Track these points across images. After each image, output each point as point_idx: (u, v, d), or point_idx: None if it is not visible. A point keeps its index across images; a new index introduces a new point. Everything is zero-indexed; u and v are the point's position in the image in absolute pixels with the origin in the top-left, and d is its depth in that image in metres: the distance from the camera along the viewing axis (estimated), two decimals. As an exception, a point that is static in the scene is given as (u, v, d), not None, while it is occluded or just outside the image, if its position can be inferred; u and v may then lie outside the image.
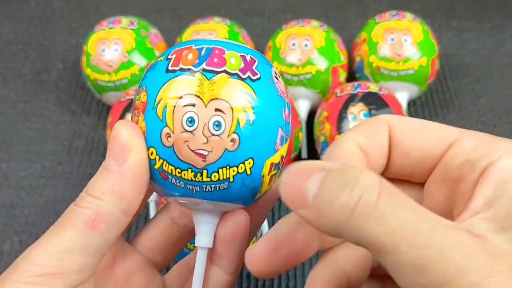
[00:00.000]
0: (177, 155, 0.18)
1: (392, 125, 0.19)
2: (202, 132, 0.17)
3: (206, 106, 0.17)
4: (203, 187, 0.18)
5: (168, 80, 0.18)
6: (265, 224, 0.37)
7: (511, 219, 0.15)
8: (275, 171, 0.19)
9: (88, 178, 0.44)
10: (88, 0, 0.58)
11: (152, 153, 0.18)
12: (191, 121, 0.17)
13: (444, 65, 0.50)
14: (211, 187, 0.18)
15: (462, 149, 0.18)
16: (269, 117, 0.18)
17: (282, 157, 0.19)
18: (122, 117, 0.37)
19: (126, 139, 0.18)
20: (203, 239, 0.20)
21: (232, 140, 0.18)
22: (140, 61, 0.42)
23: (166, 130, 0.18)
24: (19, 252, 0.38)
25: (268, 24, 0.55)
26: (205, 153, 0.18)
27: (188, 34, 0.44)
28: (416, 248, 0.14)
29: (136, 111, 0.19)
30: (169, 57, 0.19)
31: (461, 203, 0.18)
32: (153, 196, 0.37)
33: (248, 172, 0.18)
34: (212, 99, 0.18)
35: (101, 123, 0.46)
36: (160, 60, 0.19)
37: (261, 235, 0.37)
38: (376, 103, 0.37)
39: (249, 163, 0.18)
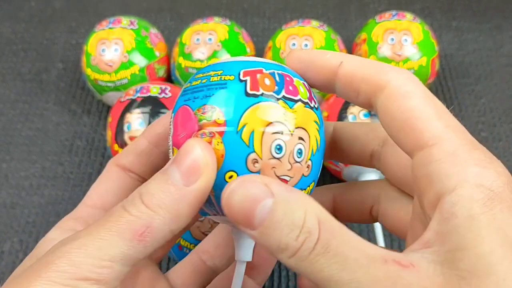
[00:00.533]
0: None
1: None
2: (288, 159, 0.18)
3: (291, 134, 0.18)
4: None
5: (252, 105, 0.18)
6: None
7: (456, 255, 0.15)
8: None
9: (88, 178, 0.44)
10: (88, 0, 0.58)
11: (231, 177, 0.18)
12: (280, 148, 0.18)
13: (444, 65, 0.50)
14: None
15: (428, 159, 0.17)
16: (323, 143, 0.20)
17: None
18: (122, 117, 0.37)
19: (202, 160, 0.17)
20: (244, 254, 0.21)
21: (308, 166, 0.19)
22: (140, 61, 0.42)
23: (253, 155, 0.18)
24: (19, 252, 0.38)
25: (268, 24, 0.55)
26: (288, 179, 0.19)
27: (188, 34, 0.44)
28: (343, 283, 0.15)
29: (206, 130, 0.18)
30: (242, 78, 0.19)
31: (423, 221, 0.18)
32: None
33: (308, 194, 0.20)
34: (296, 128, 0.18)
35: (101, 123, 0.46)
36: (230, 79, 0.19)
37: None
38: (376, 103, 0.37)
39: (312, 185, 0.20)
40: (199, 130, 0.18)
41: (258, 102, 0.18)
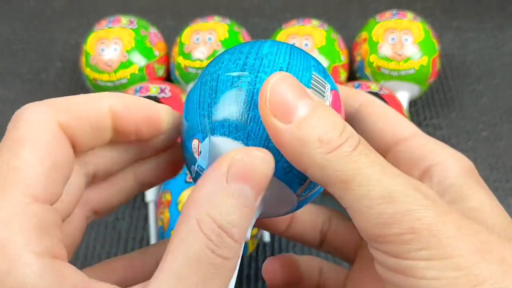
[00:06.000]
0: None
1: None
2: None
3: None
4: None
5: None
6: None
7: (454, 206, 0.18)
8: None
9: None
10: (87, 0, 0.58)
11: None
12: None
13: (445, 64, 0.50)
14: None
15: (409, 146, 0.21)
16: None
17: None
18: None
19: None
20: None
21: None
22: (139, 60, 0.42)
23: None
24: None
25: (268, 23, 0.55)
26: None
27: (188, 33, 0.44)
28: (384, 182, 0.16)
29: None
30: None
31: None
32: (153, 196, 0.37)
33: None
34: None
35: (100, 123, 0.46)
36: None
37: (261, 236, 0.37)
38: (377, 103, 0.37)
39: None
40: None
41: None
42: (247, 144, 0.17)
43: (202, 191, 0.15)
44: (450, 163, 0.19)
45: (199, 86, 0.19)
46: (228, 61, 0.19)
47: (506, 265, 0.15)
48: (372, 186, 0.16)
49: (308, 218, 0.25)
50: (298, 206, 0.20)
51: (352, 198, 0.16)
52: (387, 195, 0.15)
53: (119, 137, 0.19)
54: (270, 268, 0.25)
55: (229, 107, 0.18)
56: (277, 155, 0.17)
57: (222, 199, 0.15)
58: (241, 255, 0.17)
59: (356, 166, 0.16)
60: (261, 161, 0.16)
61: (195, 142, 0.18)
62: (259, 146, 0.17)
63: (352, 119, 0.22)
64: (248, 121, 0.17)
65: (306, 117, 0.16)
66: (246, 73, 0.18)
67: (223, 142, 0.18)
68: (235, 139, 0.17)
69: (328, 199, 0.35)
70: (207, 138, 0.18)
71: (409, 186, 0.16)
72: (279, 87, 0.16)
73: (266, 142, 0.17)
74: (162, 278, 0.15)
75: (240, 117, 0.17)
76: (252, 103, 0.17)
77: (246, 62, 0.18)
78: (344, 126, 0.16)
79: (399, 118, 0.22)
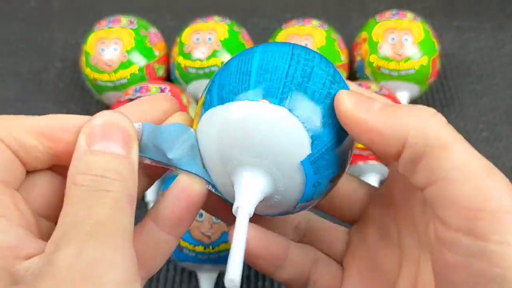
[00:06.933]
0: None
1: None
2: None
3: None
4: None
5: None
6: None
7: None
8: None
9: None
10: (87, 0, 0.58)
11: None
12: None
13: (445, 64, 0.50)
14: None
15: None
16: None
17: None
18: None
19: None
20: (249, 201, 0.18)
21: None
22: (139, 60, 0.42)
23: None
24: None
25: (268, 23, 0.55)
26: None
27: (188, 33, 0.44)
28: (478, 155, 0.16)
29: None
30: None
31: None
32: (152, 196, 0.37)
33: None
34: None
35: (100, 123, 0.46)
36: None
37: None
38: (377, 103, 0.37)
39: None
40: None
41: None
42: (312, 142, 0.18)
43: (72, 165, 0.16)
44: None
45: (289, 59, 0.18)
46: (320, 62, 0.19)
47: None
48: (471, 155, 0.16)
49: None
50: (278, 215, 0.20)
51: (450, 166, 0.16)
52: (487, 166, 0.16)
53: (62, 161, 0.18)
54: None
55: (314, 103, 0.18)
56: (323, 168, 0.18)
57: (89, 159, 0.16)
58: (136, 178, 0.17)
59: (454, 136, 0.16)
60: (112, 118, 0.16)
61: (264, 100, 0.18)
62: (320, 150, 0.18)
63: None
64: (325, 122, 0.18)
65: (384, 107, 0.17)
66: (336, 83, 0.19)
67: (288, 118, 0.18)
68: (304, 126, 0.18)
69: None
70: (278, 102, 0.18)
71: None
72: (354, 92, 0.18)
73: (327, 151, 0.18)
74: (63, 234, 0.15)
75: (320, 114, 0.18)
76: (333, 109, 0.18)
77: (334, 75, 0.19)
78: None
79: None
